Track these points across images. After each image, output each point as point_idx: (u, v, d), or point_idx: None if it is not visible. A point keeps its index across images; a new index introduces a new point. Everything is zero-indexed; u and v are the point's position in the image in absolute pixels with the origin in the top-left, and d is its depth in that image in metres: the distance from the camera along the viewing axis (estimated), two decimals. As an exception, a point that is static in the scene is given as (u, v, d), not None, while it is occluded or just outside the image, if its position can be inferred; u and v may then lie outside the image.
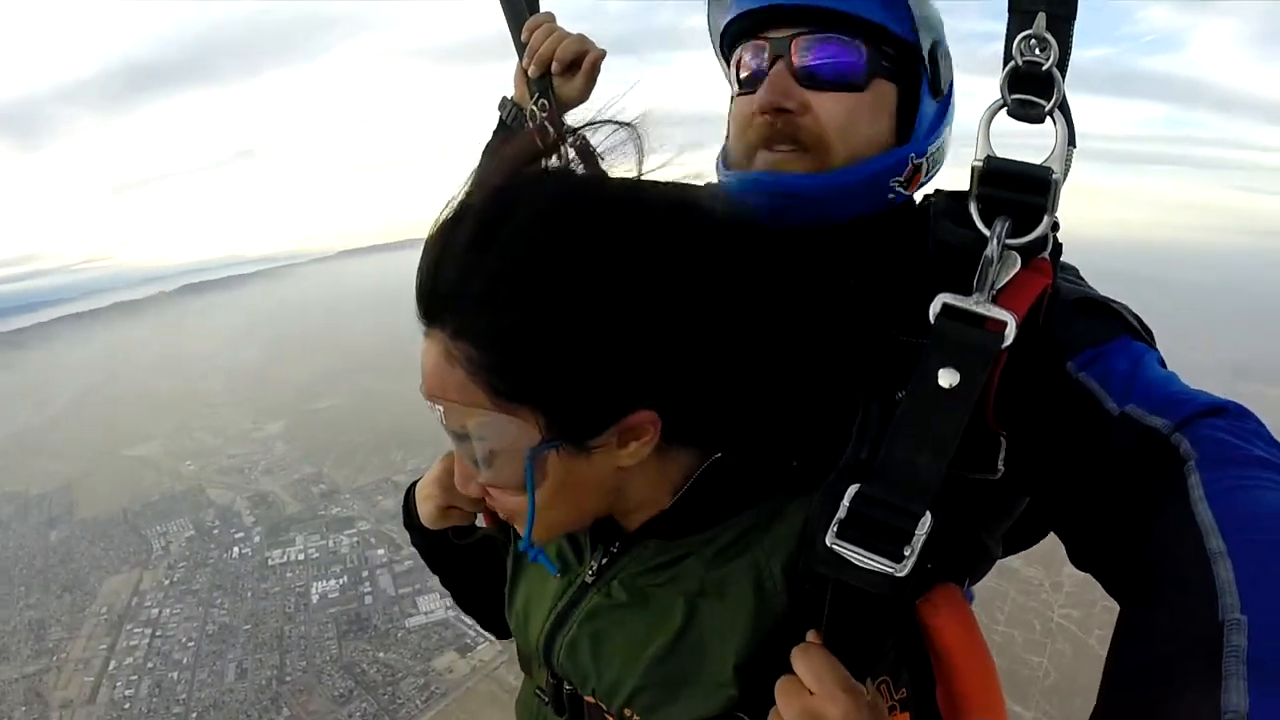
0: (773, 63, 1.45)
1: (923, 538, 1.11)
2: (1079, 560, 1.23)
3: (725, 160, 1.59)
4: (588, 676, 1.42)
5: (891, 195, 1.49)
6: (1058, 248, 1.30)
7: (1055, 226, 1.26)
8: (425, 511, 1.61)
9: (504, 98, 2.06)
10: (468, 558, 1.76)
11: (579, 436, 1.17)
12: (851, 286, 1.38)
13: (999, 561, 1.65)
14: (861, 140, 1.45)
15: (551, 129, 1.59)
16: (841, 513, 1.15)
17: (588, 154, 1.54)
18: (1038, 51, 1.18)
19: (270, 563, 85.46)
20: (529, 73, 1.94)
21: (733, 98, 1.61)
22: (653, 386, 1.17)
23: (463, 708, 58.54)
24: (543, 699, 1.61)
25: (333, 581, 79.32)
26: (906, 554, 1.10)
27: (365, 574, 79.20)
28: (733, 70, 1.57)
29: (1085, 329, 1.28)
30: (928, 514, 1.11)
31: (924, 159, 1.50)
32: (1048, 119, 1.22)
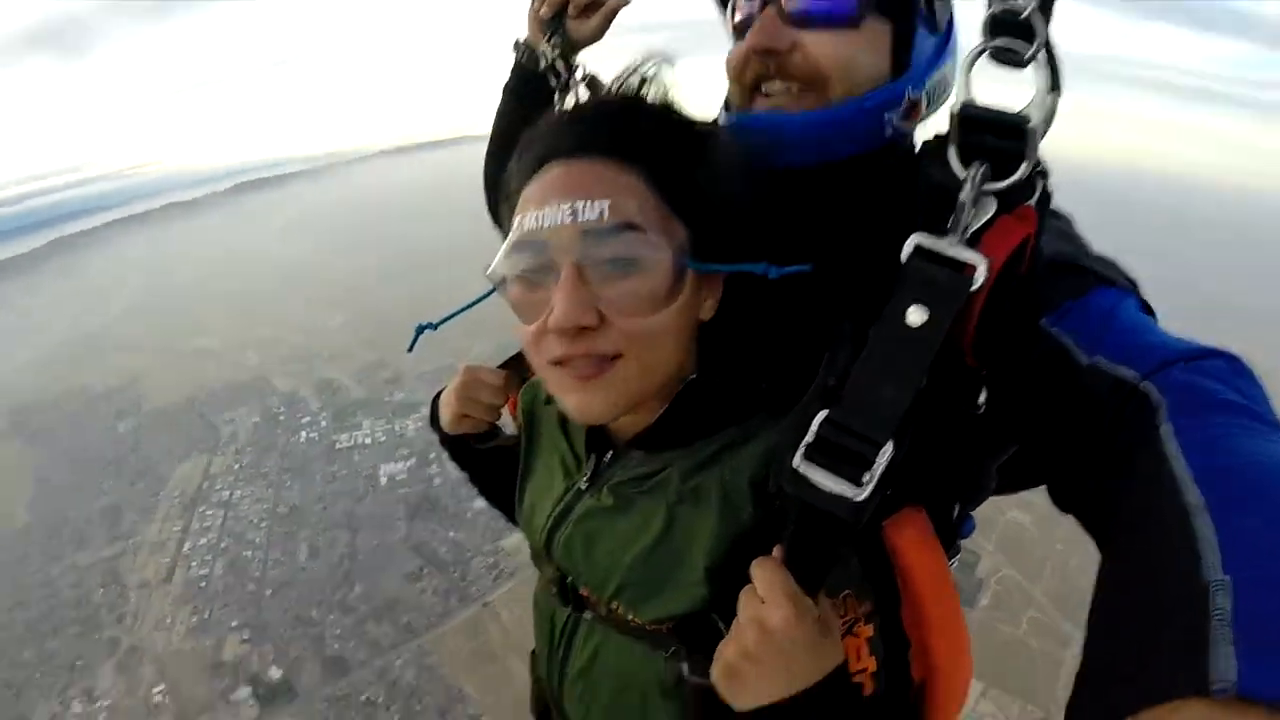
0: (763, 6, 1.51)
1: (883, 465, 1.16)
2: (1060, 504, 1.27)
3: (727, 106, 1.69)
4: (580, 571, 1.60)
5: (889, 131, 1.54)
6: (1046, 196, 1.32)
7: (1044, 174, 1.30)
8: (445, 417, 1.93)
9: (517, 40, 2.18)
10: (487, 460, 2.03)
11: (704, 259, 1.35)
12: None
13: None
14: (860, 75, 1.50)
15: (562, 67, 2.05)
16: (810, 436, 1.21)
17: (596, 90, 2.01)
18: None
19: (338, 446, 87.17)
20: (540, 13, 2.05)
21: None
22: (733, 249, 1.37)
23: (532, 587, 57.92)
24: (551, 591, 1.75)
25: (400, 464, 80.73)
26: (866, 480, 1.16)
27: (433, 456, 78.79)
28: (728, 19, 1.65)
29: (1061, 287, 1.32)
30: (890, 443, 1.17)
31: (922, 94, 1.54)
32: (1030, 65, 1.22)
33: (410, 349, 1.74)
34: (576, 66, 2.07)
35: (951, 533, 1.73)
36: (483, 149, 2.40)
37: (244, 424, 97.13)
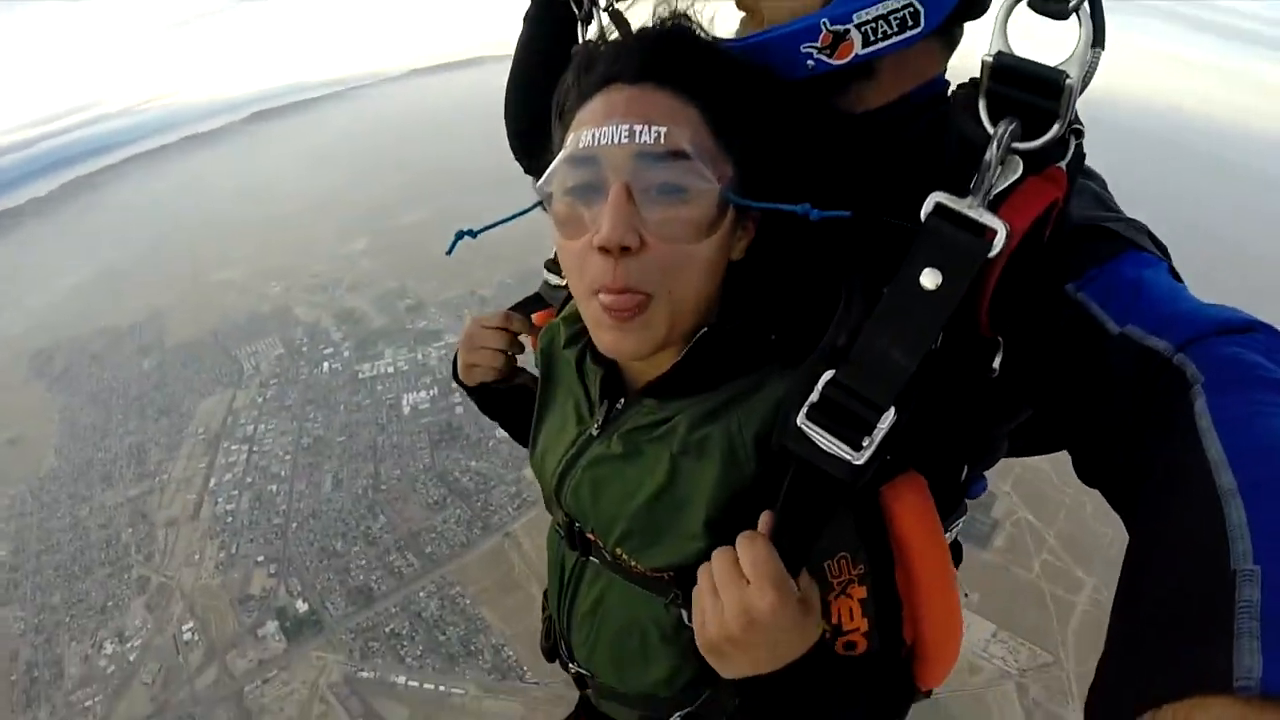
0: None
1: (884, 430, 1.19)
2: (1084, 476, 1.24)
3: None
4: (587, 516, 1.66)
5: (811, 64, 1.47)
6: (1079, 156, 1.27)
7: (1079, 134, 1.26)
8: (459, 368, 2.09)
9: None
10: (509, 403, 2.16)
11: (745, 196, 1.37)
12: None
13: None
14: (784, 9, 1.47)
15: None
16: (814, 396, 1.24)
17: (620, 20, 1.98)
18: None
19: (360, 376, 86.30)
20: None
21: None
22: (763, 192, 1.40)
23: (553, 515, 58.14)
24: (560, 534, 1.84)
25: (423, 393, 79.83)
26: (865, 444, 1.19)
27: (455, 385, 78.65)
28: None
29: (1087, 252, 1.27)
30: (892, 409, 1.19)
31: (849, 28, 1.42)
32: (1073, 16, 1.14)
33: (449, 252, 1.77)
34: None
35: (959, 493, 1.78)
36: (502, 69, 2.38)
37: (266, 356, 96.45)
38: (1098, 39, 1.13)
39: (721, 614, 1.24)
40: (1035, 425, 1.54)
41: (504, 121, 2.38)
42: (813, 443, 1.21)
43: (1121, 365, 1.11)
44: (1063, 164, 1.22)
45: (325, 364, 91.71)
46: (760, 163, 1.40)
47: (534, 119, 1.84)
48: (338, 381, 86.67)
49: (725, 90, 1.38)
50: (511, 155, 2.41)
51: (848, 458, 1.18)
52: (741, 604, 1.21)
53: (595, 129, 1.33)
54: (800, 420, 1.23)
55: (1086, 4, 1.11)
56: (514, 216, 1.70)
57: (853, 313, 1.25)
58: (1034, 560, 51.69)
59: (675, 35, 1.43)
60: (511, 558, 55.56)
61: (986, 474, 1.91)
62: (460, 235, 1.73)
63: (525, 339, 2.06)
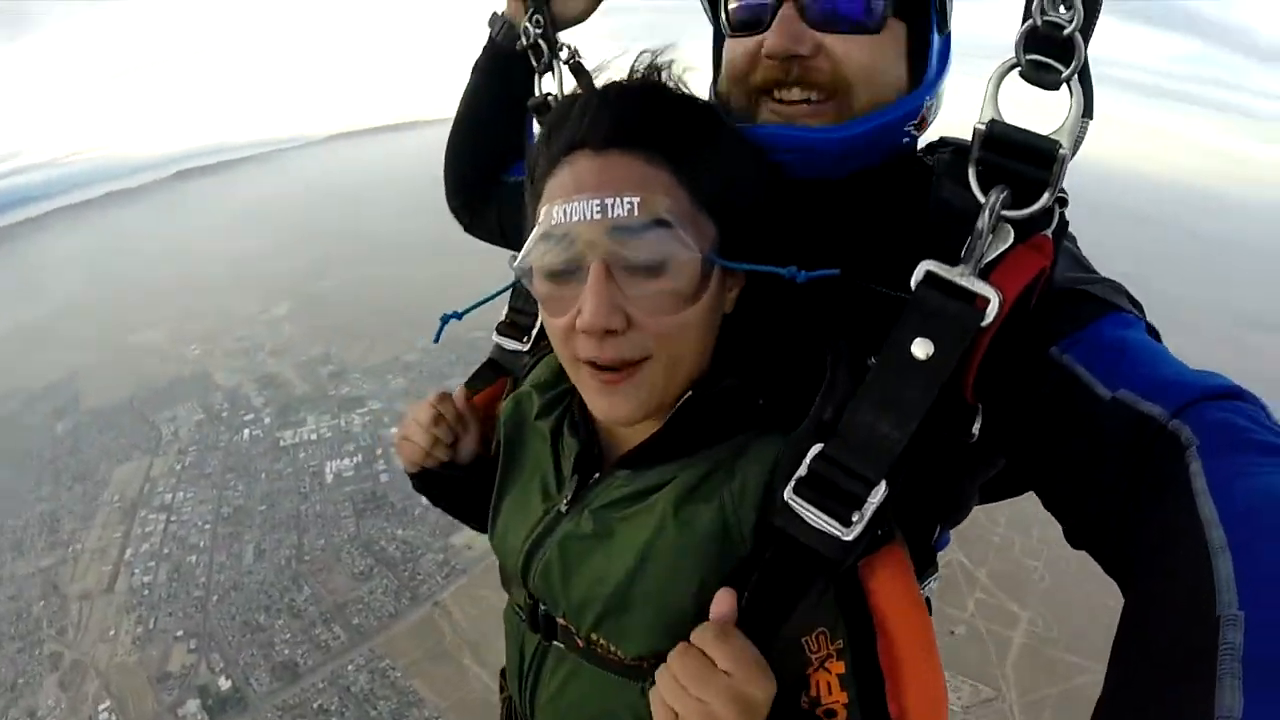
0: (779, 3, 1.38)
1: (875, 505, 1.15)
2: (1075, 540, 1.21)
3: (722, 106, 1.55)
4: (558, 599, 1.52)
5: (906, 140, 1.47)
6: (1064, 225, 1.27)
7: (1062, 202, 1.25)
8: (399, 453, 1.89)
9: (494, 13, 2.02)
10: (449, 489, 1.95)
11: (729, 256, 1.32)
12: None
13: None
14: (883, 83, 1.41)
15: (545, 46, 1.91)
16: (802, 470, 1.20)
17: (581, 72, 1.92)
18: (1061, 10, 1.10)
19: (282, 444, 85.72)
20: None
21: (721, 37, 1.60)
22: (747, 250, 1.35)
23: (484, 582, 57.14)
24: (520, 616, 1.68)
25: (347, 460, 79.80)
26: (855, 519, 1.15)
27: (379, 452, 79.04)
28: (722, 7, 1.52)
29: (1068, 315, 1.25)
30: (883, 483, 1.15)
31: (934, 100, 1.46)
32: (1063, 87, 1.14)
33: (436, 340, 1.76)
34: (561, 47, 1.91)
35: (931, 553, 1.72)
36: (432, 135, 2.47)
37: (186, 422, 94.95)
38: (1087, 109, 1.13)
39: (704, 710, 1.18)
40: (1001, 475, 1.56)
41: (443, 178, 2.25)
42: (801, 519, 1.18)
43: (1115, 430, 1.09)
44: (1049, 231, 1.22)
45: (246, 430, 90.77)
46: (742, 218, 1.35)
47: (479, 172, 1.92)
48: (259, 449, 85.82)
49: (700, 147, 1.32)
50: (439, 219, 2.31)
51: (837, 534, 1.15)
52: (731, 694, 1.17)
53: (566, 205, 1.25)
54: (788, 495, 1.19)
55: (1077, 76, 1.12)
56: (496, 294, 1.72)
57: (838, 384, 1.23)
58: (968, 600, 53.36)
59: (643, 94, 1.36)
60: (442, 627, 55.19)
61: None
62: (445, 320, 1.74)
63: (470, 421, 1.94)
